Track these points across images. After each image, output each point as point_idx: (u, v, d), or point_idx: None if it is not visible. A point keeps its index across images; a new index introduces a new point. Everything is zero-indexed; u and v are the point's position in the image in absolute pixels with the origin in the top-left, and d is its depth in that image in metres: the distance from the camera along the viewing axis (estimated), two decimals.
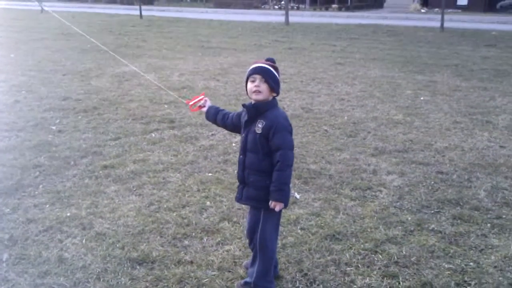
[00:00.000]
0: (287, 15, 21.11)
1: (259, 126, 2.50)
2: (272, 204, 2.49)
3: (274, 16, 25.75)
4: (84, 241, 3.28)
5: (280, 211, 2.57)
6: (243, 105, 2.60)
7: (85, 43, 12.93)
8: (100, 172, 4.51)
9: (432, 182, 4.29)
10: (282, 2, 29.97)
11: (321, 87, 8.44)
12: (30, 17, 24.11)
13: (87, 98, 7.46)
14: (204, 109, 2.96)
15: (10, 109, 6.77)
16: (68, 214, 3.66)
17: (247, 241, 2.84)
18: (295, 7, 32.29)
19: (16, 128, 5.86)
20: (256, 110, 2.55)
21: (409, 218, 3.60)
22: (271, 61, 2.60)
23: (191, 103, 2.98)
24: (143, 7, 25.92)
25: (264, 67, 2.54)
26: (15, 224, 3.52)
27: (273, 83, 2.52)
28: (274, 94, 2.57)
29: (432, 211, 3.73)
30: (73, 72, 9.53)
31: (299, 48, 13.46)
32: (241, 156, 2.63)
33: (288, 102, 7.27)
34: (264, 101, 2.54)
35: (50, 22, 19.59)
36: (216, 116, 2.89)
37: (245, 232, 2.88)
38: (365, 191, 4.09)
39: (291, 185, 2.74)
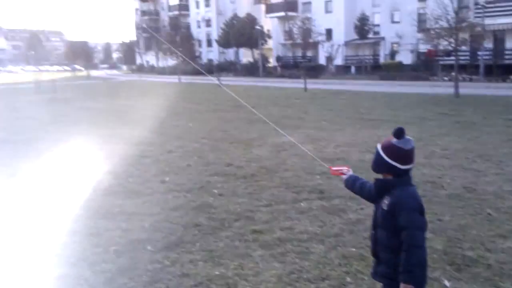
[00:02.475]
0: (456, 86, 20.17)
1: (385, 203, 2.47)
2: (402, 286, 2.37)
3: (443, 88, 24.76)
4: None
5: None
6: (374, 180, 2.61)
7: (253, 115, 14.08)
8: (250, 236, 4.77)
9: None
10: (453, 73, 28.74)
11: (489, 165, 7.73)
12: (209, 90, 27.29)
13: (248, 165, 8.05)
14: (344, 176, 3.01)
15: (182, 171, 7.67)
16: (217, 273, 3.94)
17: None
18: (468, 79, 30.59)
19: (185, 189, 6.59)
20: (381, 186, 2.53)
21: None
22: (396, 132, 2.53)
23: (334, 168, 3.07)
24: (308, 80, 27.37)
25: (376, 148, 2.53)
26: (172, 277, 3.91)
27: (375, 166, 2.51)
28: (388, 176, 2.52)
29: None
30: (238, 141, 10.43)
31: (467, 122, 12.64)
32: (372, 231, 2.61)
33: (449, 180, 6.80)
34: (386, 178, 2.51)
35: (225, 95, 21.87)
36: (354, 184, 2.91)
37: None
38: None
39: (434, 271, 2.57)
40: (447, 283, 3.68)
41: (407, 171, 2.52)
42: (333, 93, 23.49)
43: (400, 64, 38.71)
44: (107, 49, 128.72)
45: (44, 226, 5.18)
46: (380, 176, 2.61)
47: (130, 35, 76.90)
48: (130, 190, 6.59)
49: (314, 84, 29.37)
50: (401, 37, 40.05)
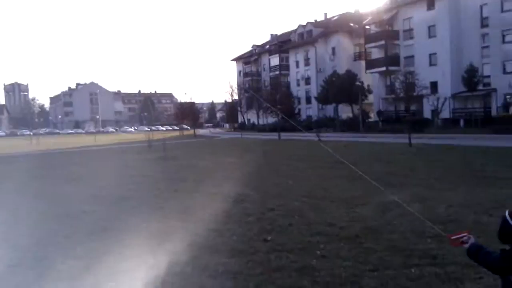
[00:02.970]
0: None
1: None
2: None
3: None
4: None
5: None
6: (501, 251, 2.36)
7: (354, 172, 13.76)
8: None
9: None
10: None
11: None
12: (309, 146, 27.38)
13: (351, 225, 7.77)
14: (466, 246, 2.75)
15: (283, 230, 7.61)
16: None
17: None
18: None
19: (287, 249, 6.49)
20: (510, 259, 2.28)
21: None
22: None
23: (453, 237, 2.83)
24: (413, 135, 26.33)
25: (504, 216, 2.33)
26: None
27: (502, 235, 2.34)
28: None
29: None
30: (340, 199, 10.18)
31: None
32: None
33: None
34: None
35: (324, 152, 21.74)
36: (478, 254, 2.65)
37: None
38: None
39: None
40: None
41: None
42: (441, 148, 22.29)
43: None
44: (212, 108, 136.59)
45: (153, 283, 5.37)
46: (506, 246, 2.37)
47: (233, 95, 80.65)
48: (234, 248, 6.65)
49: (419, 139, 28.14)
50: None
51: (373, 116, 52.83)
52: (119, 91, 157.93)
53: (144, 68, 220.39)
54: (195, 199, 10.84)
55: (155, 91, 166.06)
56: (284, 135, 41.03)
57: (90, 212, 9.73)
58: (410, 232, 7.12)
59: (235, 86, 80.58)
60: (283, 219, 8.48)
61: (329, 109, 58.08)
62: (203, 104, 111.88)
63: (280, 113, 44.76)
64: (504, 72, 39.75)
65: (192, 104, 75.71)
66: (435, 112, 42.47)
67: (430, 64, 45.18)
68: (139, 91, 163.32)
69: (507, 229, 2.32)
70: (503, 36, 39.83)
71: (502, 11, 39.64)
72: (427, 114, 43.94)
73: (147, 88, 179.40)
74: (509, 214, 2.33)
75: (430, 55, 45.46)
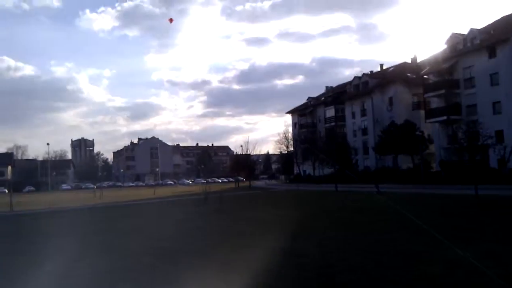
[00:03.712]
0: None
1: None
2: None
3: None
4: None
5: None
6: None
7: (417, 225, 13.05)
8: None
9: None
10: None
11: None
12: (367, 198, 26.53)
13: (417, 284, 7.25)
14: None
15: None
16: None
17: None
18: None
19: None
20: None
21: None
22: None
23: None
24: (479, 186, 24.90)
25: None
26: None
27: None
28: None
29: None
30: (403, 254, 9.59)
31: None
32: None
33: None
34: None
35: (384, 203, 20.94)
36: None
37: None
38: None
39: None
40: None
41: None
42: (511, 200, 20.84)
43: None
44: (267, 160, 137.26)
45: None
46: None
47: (288, 146, 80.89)
48: None
49: (485, 190, 26.56)
50: None
51: (434, 167, 50.84)
52: (178, 145, 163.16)
53: (202, 123, 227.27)
54: (252, 253, 10.59)
55: (212, 144, 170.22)
56: (341, 187, 40.18)
57: (150, 266, 9.78)
58: None
59: (290, 137, 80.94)
60: (344, 275, 8.07)
61: (388, 160, 56.64)
62: (258, 156, 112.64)
63: (336, 164, 44.21)
64: None
65: (247, 156, 76.55)
66: (502, 162, 40.21)
67: (494, 113, 43.30)
68: (197, 144, 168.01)
69: None
70: None
71: None
72: (493, 164, 41.68)
73: (205, 141, 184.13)
74: None
75: (493, 103, 43.68)
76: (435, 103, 51.33)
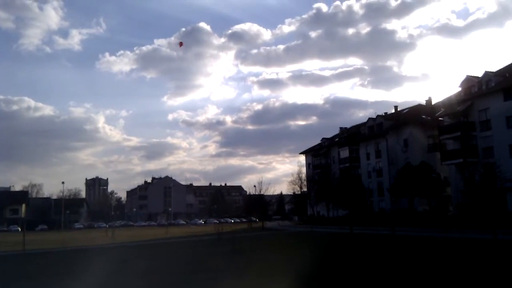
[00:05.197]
0: None
1: None
2: None
3: None
4: None
5: None
6: None
7: (432, 272, 12.57)
8: None
9: None
10: None
11: None
12: (384, 243, 25.82)
13: None
14: None
15: None
16: None
17: None
18: None
19: None
20: None
21: None
22: None
23: None
24: (498, 230, 24.18)
25: None
26: None
27: None
28: None
29: None
30: None
31: None
32: None
33: None
34: None
35: (400, 248, 20.31)
36: None
37: None
38: None
39: None
40: None
41: None
42: None
43: None
44: (280, 200, 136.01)
45: None
46: None
47: (302, 187, 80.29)
48: None
49: (505, 235, 25.77)
50: None
51: (451, 210, 49.77)
52: (191, 184, 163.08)
53: (216, 163, 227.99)
54: None
55: (225, 184, 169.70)
56: (357, 229, 39.38)
57: None
58: None
59: (304, 178, 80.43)
60: None
61: (403, 202, 55.68)
62: (271, 196, 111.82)
63: (351, 205, 43.66)
64: None
65: (260, 196, 75.96)
66: None
67: (511, 156, 42.72)
68: (210, 184, 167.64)
69: None
70: None
71: None
72: (511, 208, 40.70)
73: (218, 181, 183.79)
74: None
75: (510, 146, 43.12)
76: (450, 145, 50.81)
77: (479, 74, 49.21)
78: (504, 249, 19.85)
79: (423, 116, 60.67)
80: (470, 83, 49.83)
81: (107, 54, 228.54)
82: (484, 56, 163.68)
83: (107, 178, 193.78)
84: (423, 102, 69.33)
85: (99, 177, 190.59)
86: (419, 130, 59.53)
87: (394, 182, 54.45)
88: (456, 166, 49.20)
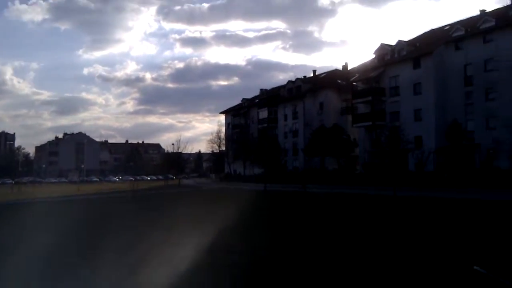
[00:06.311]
0: None
1: None
2: None
3: None
4: None
5: None
6: None
7: (339, 224, 13.40)
8: None
9: None
10: None
11: None
12: (294, 198, 26.94)
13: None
14: None
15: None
16: None
17: None
18: None
19: None
20: None
21: None
22: None
23: None
24: (398, 187, 26.12)
25: None
26: None
27: None
28: None
29: None
30: (326, 251, 9.80)
31: None
32: None
33: None
34: None
35: (310, 202, 21.40)
36: None
37: None
38: None
39: None
40: None
41: None
42: (424, 201, 22.11)
43: (498, 170, 36.23)
44: (199, 159, 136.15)
45: None
46: None
47: (220, 146, 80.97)
48: None
49: (404, 191, 28.03)
50: (498, 143, 37.96)
51: (359, 169, 52.97)
52: (106, 141, 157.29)
53: (133, 121, 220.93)
54: (178, 251, 10.24)
55: (143, 142, 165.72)
56: (271, 186, 40.70)
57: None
58: None
59: (223, 137, 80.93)
60: (269, 269, 8.10)
61: (316, 161, 58.23)
62: (190, 154, 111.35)
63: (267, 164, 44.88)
64: (487, 127, 40.50)
65: (178, 154, 75.42)
66: (419, 165, 42.77)
67: (415, 120, 45.92)
68: (127, 141, 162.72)
69: None
70: (487, 94, 40.90)
71: (486, 70, 40.95)
72: (411, 167, 44.21)
73: (135, 139, 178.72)
74: None
75: (415, 111, 46.33)
76: (362, 109, 53.53)
77: (393, 42, 51.80)
78: (401, 203, 21.63)
79: (339, 81, 62.95)
80: (384, 51, 52.30)
81: (17, 2, 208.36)
82: (399, 25, 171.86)
83: (14, 133, 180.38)
84: (340, 67, 71.81)
85: (5, 131, 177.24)
86: (334, 94, 61.84)
87: (308, 143, 56.59)
88: (365, 129, 52.11)
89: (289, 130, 68.32)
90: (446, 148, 42.30)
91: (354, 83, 55.49)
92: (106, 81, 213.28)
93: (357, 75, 55.72)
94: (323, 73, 72.72)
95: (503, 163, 37.06)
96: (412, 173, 42.30)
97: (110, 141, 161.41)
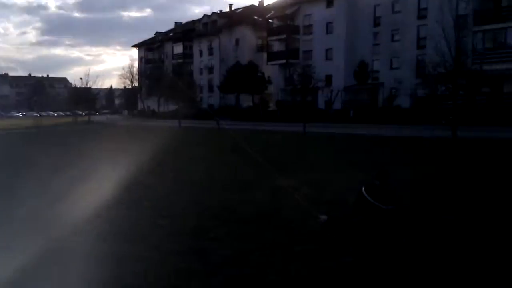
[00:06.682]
0: (454, 130, 20.26)
1: None
2: None
3: (441, 131, 24.80)
4: None
5: None
6: None
7: (251, 158, 14.05)
8: None
9: None
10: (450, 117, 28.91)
11: None
12: (209, 134, 27.39)
13: (244, 209, 7.98)
14: None
15: (178, 216, 7.56)
16: None
17: None
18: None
19: (181, 233, 6.49)
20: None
21: None
22: None
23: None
24: (307, 124, 27.52)
25: None
26: None
27: None
28: None
29: None
30: (236, 184, 10.36)
31: None
32: None
33: None
34: None
35: (224, 138, 21.91)
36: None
37: None
38: None
39: None
40: None
41: None
42: (331, 137, 23.59)
43: (398, 108, 39.17)
44: (110, 95, 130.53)
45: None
46: None
47: (133, 81, 78.20)
48: (124, 234, 6.51)
49: (313, 128, 29.46)
50: (400, 83, 40.65)
51: (272, 106, 54.20)
52: (6, 74, 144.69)
53: (36, 52, 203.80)
54: (89, 185, 10.25)
55: (48, 75, 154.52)
56: (185, 123, 40.67)
57: None
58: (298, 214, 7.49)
59: (135, 72, 77.97)
60: (178, 204, 8.46)
61: (231, 98, 58.61)
62: (100, 90, 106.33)
63: (181, 100, 44.42)
64: (391, 68, 43.03)
65: (88, 89, 71.76)
66: (328, 103, 44.89)
67: (326, 59, 47.41)
68: (30, 74, 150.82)
69: (361, 200, 2.57)
70: (392, 35, 43.02)
71: (393, 12, 42.72)
72: (321, 105, 46.25)
73: (39, 72, 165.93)
74: (364, 189, 2.58)
75: (326, 50, 47.68)
76: (276, 46, 53.98)
77: None
78: (310, 139, 22.91)
79: (255, 17, 62.30)
80: None
81: None
82: None
83: None
84: (256, 3, 70.87)
85: None
86: (250, 31, 61.35)
87: (223, 80, 56.49)
88: (279, 66, 52.92)
89: (205, 66, 67.42)
90: (353, 87, 44.54)
91: (270, 20, 55.36)
92: (4, 8, 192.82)
93: (273, 12, 55.51)
94: (239, 8, 71.42)
95: (404, 102, 39.98)
96: (321, 111, 44.32)
97: (10, 74, 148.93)
